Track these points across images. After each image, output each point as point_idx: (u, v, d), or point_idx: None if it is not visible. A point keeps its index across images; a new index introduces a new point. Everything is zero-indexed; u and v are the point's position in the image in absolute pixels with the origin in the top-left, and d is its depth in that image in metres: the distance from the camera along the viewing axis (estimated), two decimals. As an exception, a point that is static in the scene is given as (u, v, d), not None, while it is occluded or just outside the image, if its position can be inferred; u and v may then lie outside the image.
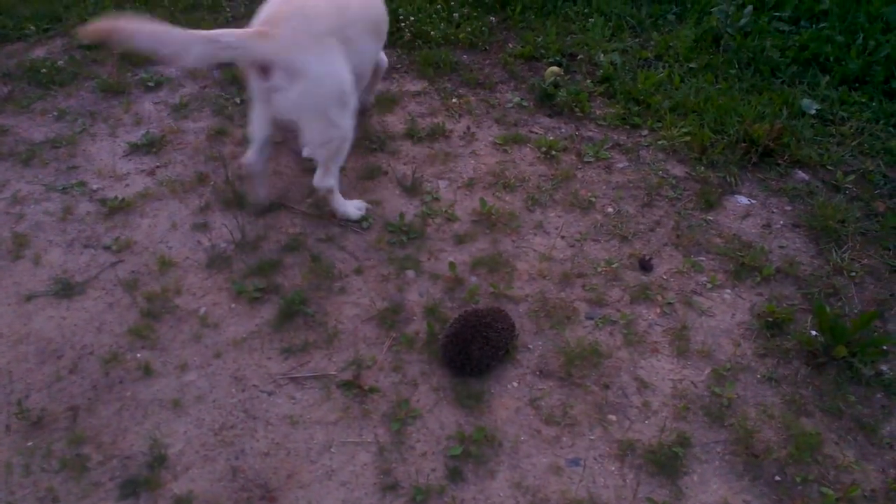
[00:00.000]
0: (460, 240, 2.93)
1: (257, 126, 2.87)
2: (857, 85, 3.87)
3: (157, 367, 2.40)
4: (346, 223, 2.96)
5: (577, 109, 3.70)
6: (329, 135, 2.73)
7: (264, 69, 2.56)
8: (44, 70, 3.87)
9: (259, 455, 2.16)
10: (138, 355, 2.44)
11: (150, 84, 3.82)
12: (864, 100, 3.75)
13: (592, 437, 2.24)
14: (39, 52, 4.08)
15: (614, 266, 2.83)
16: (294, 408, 2.30)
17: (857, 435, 2.28)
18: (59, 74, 3.87)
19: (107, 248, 2.84)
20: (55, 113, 3.60)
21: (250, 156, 2.90)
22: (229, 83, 3.83)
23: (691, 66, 4.01)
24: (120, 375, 2.38)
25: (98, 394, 2.32)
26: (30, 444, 2.17)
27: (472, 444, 2.19)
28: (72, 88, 3.80)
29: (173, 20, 4.20)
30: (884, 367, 2.48)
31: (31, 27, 4.27)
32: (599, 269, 2.82)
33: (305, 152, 2.80)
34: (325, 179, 2.84)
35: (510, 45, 4.24)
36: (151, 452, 2.15)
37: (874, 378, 2.43)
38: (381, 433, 2.23)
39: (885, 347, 2.49)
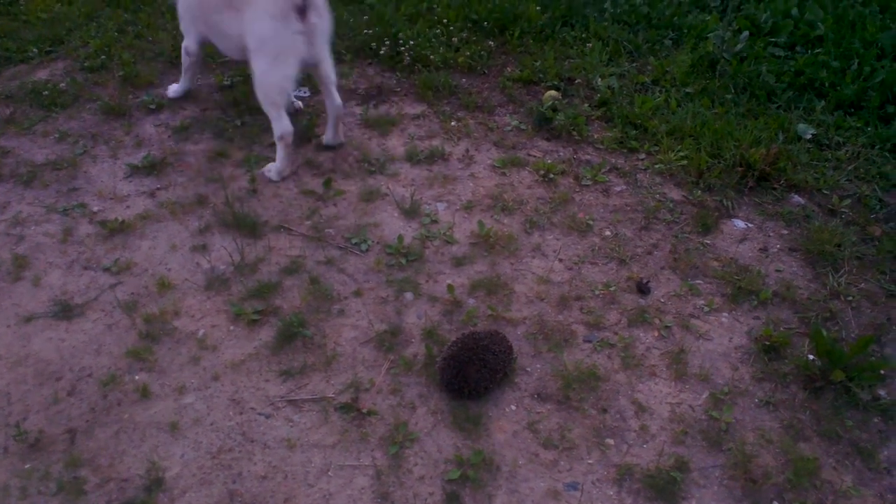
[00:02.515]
0: (459, 262, 2.94)
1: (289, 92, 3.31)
2: (852, 110, 3.90)
3: (155, 390, 2.40)
4: (346, 248, 2.98)
5: (574, 133, 3.73)
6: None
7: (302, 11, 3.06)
8: (46, 92, 3.90)
9: (256, 478, 2.16)
10: (136, 377, 2.44)
11: (152, 106, 3.84)
12: (859, 125, 3.78)
13: (590, 461, 2.24)
14: (42, 75, 4.11)
15: (612, 289, 2.84)
16: (292, 431, 2.29)
17: (855, 460, 2.27)
18: (61, 96, 3.90)
19: (106, 269, 2.85)
20: (56, 135, 3.62)
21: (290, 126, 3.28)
22: (230, 105, 3.86)
23: (688, 90, 4.05)
24: (118, 398, 2.38)
25: (96, 416, 2.32)
26: (27, 466, 2.16)
27: (469, 468, 2.19)
28: (73, 110, 3.83)
29: (176, 41, 4.25)
30: (881, 392, 2.48)
31: (34, 49, 4.31)
32: (597, 292, 2.83)
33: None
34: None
35: (509, 69, 4.28)
36: (148, 475, 2.14)
37: (871, 402, 2.43)
38: (379, 457, 2.22)
39: (882, 372, 2.49)
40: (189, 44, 3.69)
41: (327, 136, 3.57)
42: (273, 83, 3.19)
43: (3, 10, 4.76)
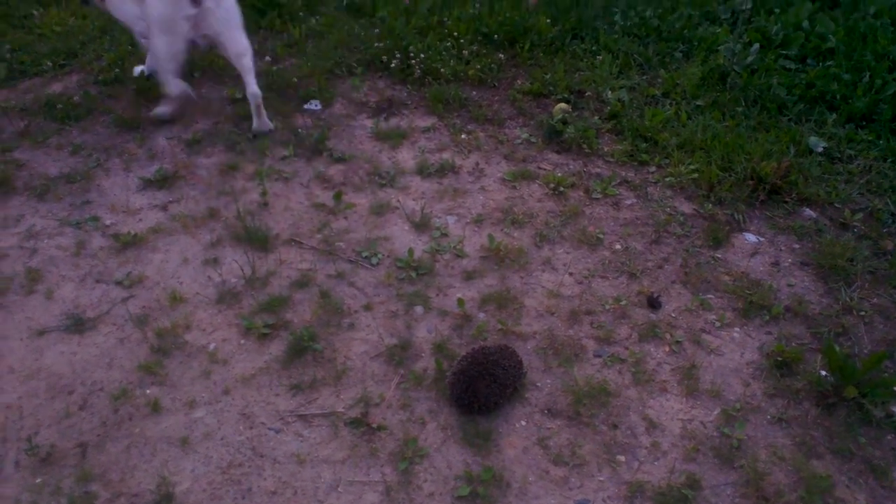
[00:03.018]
0: (469, 276, 2.94)
1: (179, 61, 3.61)
2: (864, 123, 3.89)
3: (166, 404, 2.41)
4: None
5: (585, 146, 3.73)
6: (247, 43, 3.61)
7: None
8: (60, 105, 3.93)
9: (266, 494, 2.16)
10: (148, 391, 2.45)
11: (165, 119, 3.87)
12: (871, 138, 3.76)
13: (601, 479, 2.23)
14: (56, 88, 4.15)
15: (622, 303, 2.83)
16: (302, 446, 2.30)
17: (868, 478, 2.25)
18: (75, 110, 3.93)
19: (118, 283, 2.87)
20: (70, 148, 3.65)
21: (184, 86, 3.73)
22: (242, 119, 3.88)
23: (698, 103, 4.04)
24: (129, 412, 2.39)
25: (107, 430, 2.33)
26: (38, 480, 2.17)
27: (479, 485, 2.18)
28: (87, 123, 3.86)
29: (191, 56, 4.28)
30: (894, 409, 2.46)
31: (48, 63, 4.35)
32: (607, 307, 2.82)
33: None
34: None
35: (519, 82, 4.29)
36: (159, 490, 2.15)
37: (885, 419, 2.41)
38: (389, 472, 2.22)
39: (895, 388, 2.47)
40: (140, 29, 3.88)
41: (253, 125, 3.76)
42: (162, 57, 3.60)
43: (18, 24, 4.82)
